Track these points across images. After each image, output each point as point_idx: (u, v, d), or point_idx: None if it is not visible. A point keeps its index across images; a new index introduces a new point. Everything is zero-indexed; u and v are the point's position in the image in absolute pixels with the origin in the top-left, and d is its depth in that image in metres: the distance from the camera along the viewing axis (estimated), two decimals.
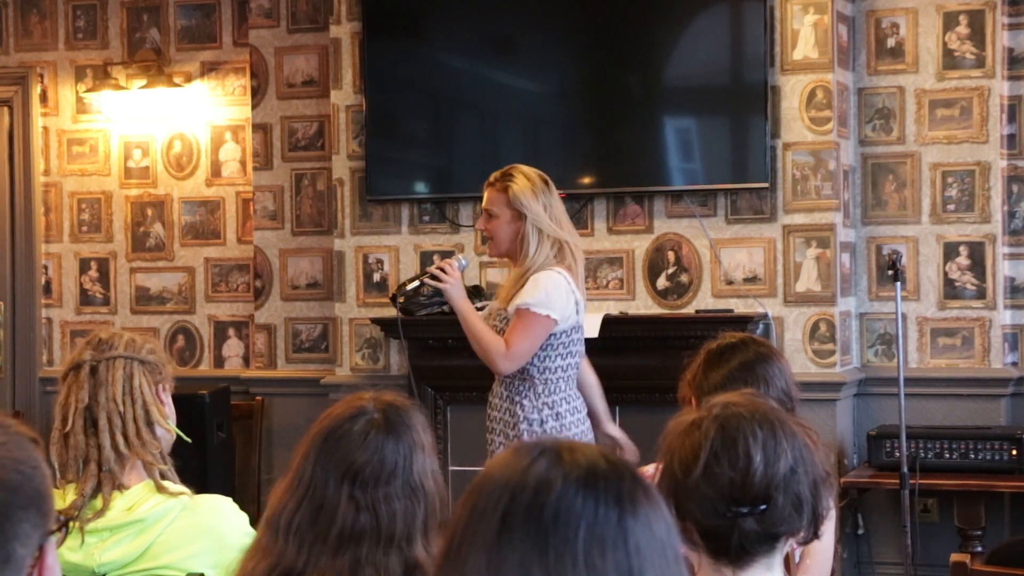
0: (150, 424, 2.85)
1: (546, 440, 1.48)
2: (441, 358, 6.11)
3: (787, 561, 2.71)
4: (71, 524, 2.68)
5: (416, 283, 4.84)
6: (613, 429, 5.04)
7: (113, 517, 2.78)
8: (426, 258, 6.38)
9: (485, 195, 4.76)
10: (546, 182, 4.74)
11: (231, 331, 7.12)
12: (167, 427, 2.89)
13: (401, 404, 2.39)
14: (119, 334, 2.91)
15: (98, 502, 2.78)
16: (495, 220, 4.70)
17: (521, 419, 4.71)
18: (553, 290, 4.64)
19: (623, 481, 1.44)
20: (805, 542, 2.19)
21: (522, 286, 4.66)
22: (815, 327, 5.93)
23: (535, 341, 4.65)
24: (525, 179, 4.69)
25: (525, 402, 4.72)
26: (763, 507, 2.07)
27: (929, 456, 5.73)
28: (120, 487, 2.80)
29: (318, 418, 2.38)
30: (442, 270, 4.73)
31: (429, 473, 2.35)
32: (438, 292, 4.86)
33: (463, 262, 4.84)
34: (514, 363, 4.66)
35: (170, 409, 2.94)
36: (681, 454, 2.10)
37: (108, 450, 2.80)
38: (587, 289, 5.72)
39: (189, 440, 3.00)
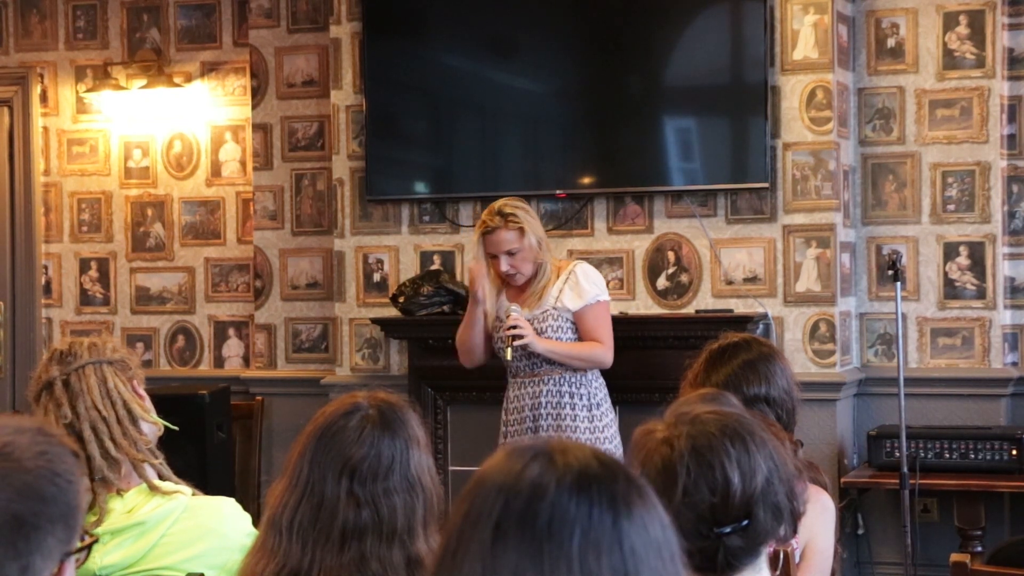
0: (134, 421, 2.83)
1: (539, 442, 1.47)
2: (441, 358, 6.10)
3: (788, 562, 2.71)
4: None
5: (508, 349, 5.00)
6: None
7: (114, 520, 2.76)
8: (426, 258, 6.38)
9: (494, 238, 4.99)
10: (527, 203, 5.17)
11: (231, 331, 7.12)
12: (151, 420, 2.87)
13: (395, 401, 2.40)
14: (78, 342, 2.87)
15: (92, 515, 2.76)
16: (517, 256, 5.01)
17: (584, 406, 5.06)
18: (597, 275, 5.15)
19: (617, 483, 1.43)
20: (786, 540, 2.19)
21: (569, 286, 5.05)
22: (815, 327, 5.92)
23: (611, 324, 5.12)
24: (522, 211, 5.04)
25: (583, 391, 5.07)
26: (745, 523, 2.07)
27: (929, 456, 5.73)
28: (119, 491, 2.79)
29: (312, 418, 2.38)
30: (515, 327, 4.96)
31: (425, 468, 2.35)
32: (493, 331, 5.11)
33: (519, 309, 5.06)
34: (612, 352, 5.09)
35: (148, 403, 2.92)
36: (657, 478, 2.09)
37: (99, 460, 2.77)
38: None
39: (176, 428, 2.97)
